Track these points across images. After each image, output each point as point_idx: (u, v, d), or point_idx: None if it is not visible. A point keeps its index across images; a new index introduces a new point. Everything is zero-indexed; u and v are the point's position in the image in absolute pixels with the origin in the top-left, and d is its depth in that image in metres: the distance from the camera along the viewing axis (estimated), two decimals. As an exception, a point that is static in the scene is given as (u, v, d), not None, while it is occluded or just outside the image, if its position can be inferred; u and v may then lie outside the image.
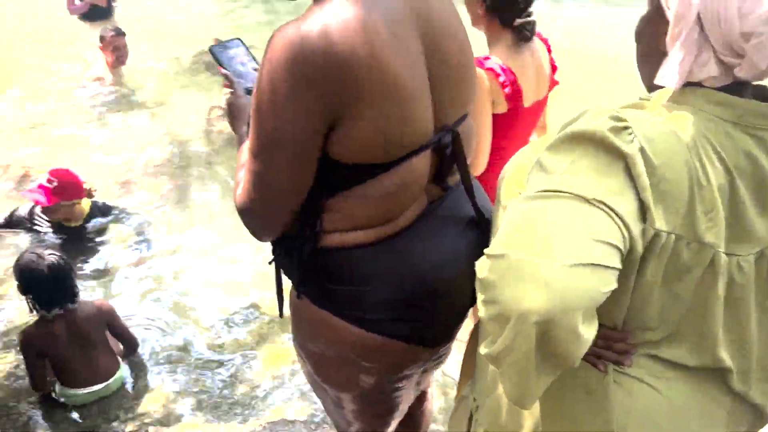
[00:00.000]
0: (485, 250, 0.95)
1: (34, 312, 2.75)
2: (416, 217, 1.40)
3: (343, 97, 1.17)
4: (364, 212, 1.34)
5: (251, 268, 3.71)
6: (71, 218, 3.87)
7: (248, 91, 1.54)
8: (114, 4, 7.70)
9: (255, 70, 1.59)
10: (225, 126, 5.43)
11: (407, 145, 1.29)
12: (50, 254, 2.74)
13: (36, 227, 3.93)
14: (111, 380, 2.87)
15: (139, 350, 3.13)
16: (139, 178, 4.72)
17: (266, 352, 3.17)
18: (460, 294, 1.45)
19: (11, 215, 4.00)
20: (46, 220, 3.90)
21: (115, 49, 5.88)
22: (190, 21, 8.06)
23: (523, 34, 2.28)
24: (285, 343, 3.21)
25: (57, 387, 2.86)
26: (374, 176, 1.29)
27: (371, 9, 1.18)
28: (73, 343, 2.77)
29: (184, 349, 3.21)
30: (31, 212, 3.93)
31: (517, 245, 0.90)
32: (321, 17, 1.17)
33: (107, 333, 2.92)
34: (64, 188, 3.68)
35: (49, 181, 3.65)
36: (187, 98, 6.03)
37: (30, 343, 2.73)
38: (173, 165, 4.92)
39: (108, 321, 2.92)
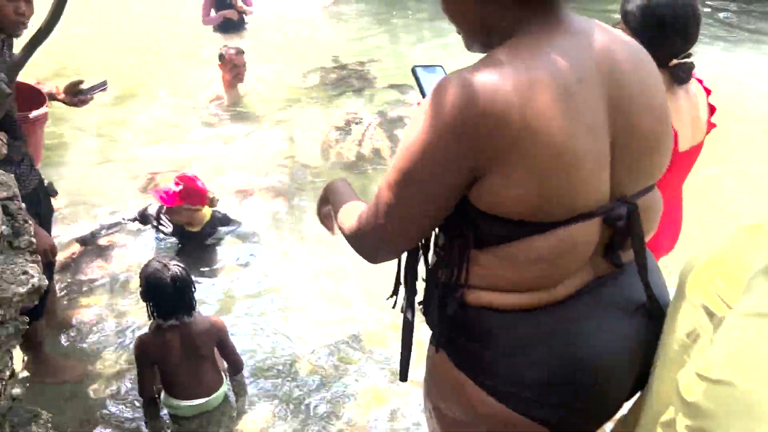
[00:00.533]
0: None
1: (152, 319, 2.81)
2: (576, 291, 1.28)
3: (492, 152, 1.15)
4: (513, 274, 1.25)
5: (360, 296, 3.67)
6: (192, 223, 4.03)
7: None
8: (246, 19, 7.98)
9: None
10: (344, 148, 5.47)
11: (567, 209, 1.19)
12: (175, 265, 2.79)
13: (161, 227, 4.11)
14: (214, 396, 2.88)
15: (246, 373, 3.15)
16: (256, 194, 4.81)
17: (366, 386, 3.09)
18: (618, 388, 1.30)
19: (144, 210, 4.23)
20: (169, 221, 4.07)
21: (234, 67, 6.03)
22: (316, 41, 8.24)
23: (678, 76, 2.14)
24: (385, 385, 3.10)
25: (162, 396, 2.90)
26: (525, 236, 1.21)
27: (544, 66, 1.14)
28: (184, 354, 2.81)
29: (287, 371, 3.18)
30: (159, 212, 4.14)
31: (747, 374, 0.75)
32: (487, 70, 1.15)
33: (215, 349, 2.94)
34: (189, 193, 3.88)
35: (176, 184, 3.88)
36: (307, 117, 6.12)
37: (145, 351, 2.80)
38: (290, 184, 4.98)
39: (219, 338, 2.95)
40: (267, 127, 5.91)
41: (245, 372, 3.12)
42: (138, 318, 3.46)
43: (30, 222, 1.99)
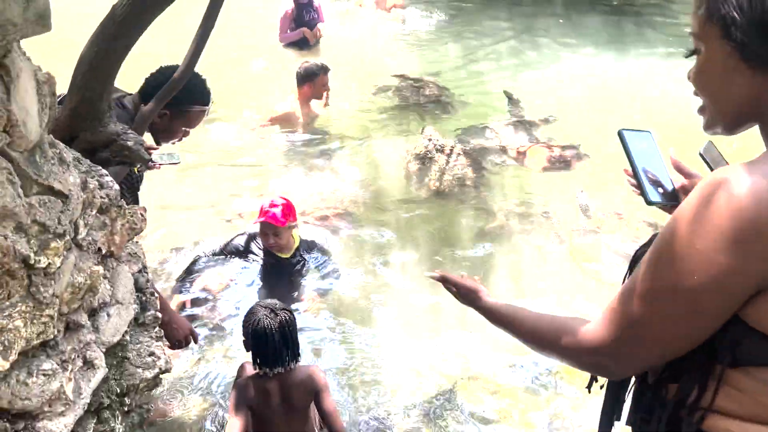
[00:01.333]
0: None
1: (257, 368, 2.68)
2: None
3: None
4: None
5: (451, 346, 3.51)
6: (288, 246, 3.90)
7: (648, 202, 1.44)
8: (320, 37, 7.93)
9: (657, 177, 1.51)
10: (426, 177, 5.32)
11: None
12: (283, 310, 2.64)
13: (251, 255, 4.00)
14: None
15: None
16: (336, 224, 4.70)
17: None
18: None
19: (227, 245, 4.11)
20: (261, 250, 3.97)
21: (323, 86, 5.96)
22: (388, 60, 8.11)
23: None
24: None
25: None
26: None
27: None
28: (282, 405, 2.67)
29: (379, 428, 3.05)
30: (248, 243, 4.03)
31: None
32: None
33: (312, 406, 2.82)
34: (290, 210, 3.78)
35: (273, 205, 3.75)
36: (385, 142, 5.99)
37: (244, 394, 2.64)
38: (372, 215, 4.86)
39: (316, 391, 2.82)
40: (345, 152, 5.81)
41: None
42: (227, 365, 3.37)
43: (157, 294, 1.90)
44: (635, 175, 1.53)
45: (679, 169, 1.63)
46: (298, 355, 2.68)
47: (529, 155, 5.72)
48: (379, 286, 4.02)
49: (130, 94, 2.53)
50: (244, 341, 2.71)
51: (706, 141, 2.09)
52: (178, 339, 2.66)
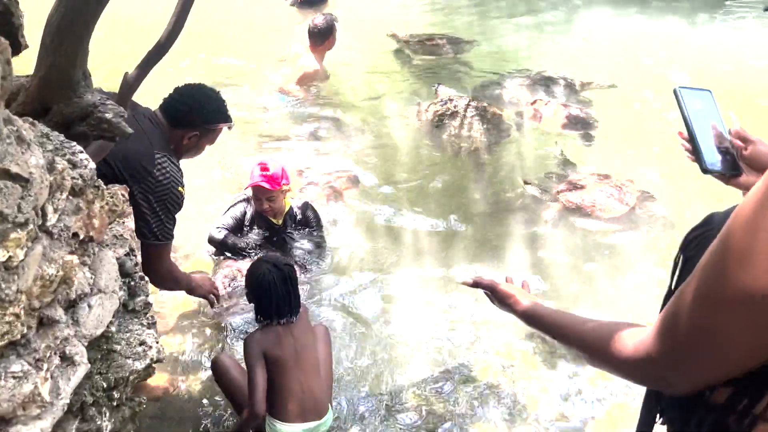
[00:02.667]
0: None
1: (259, 321, 2.69)
2: None
3: None
4: None
5: (464, 323, 3.38)
6: (280, 212, 3.74)
7: (704, 170, 1.38)
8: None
9: (721, 135, 1.42)
10: (439, 143, 5.11)
11: None
12: (286, 265, 2.71)
13: (246, 226, 3.83)
14: (321, 421, 2.65)
15: (342, 397, 2.95)
16: (343, 194, 4.51)
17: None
18: None
19: (231, 215, 3.88)
20: (252, 216, 3.80)
21: (334, 39, 5.70)
22: (399, 17, 7.79)
23: None
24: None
25: (267, 420, 2.67)
26: None
27: None
28: (294, 347, 2.64)
29: (389, 405, 2.95)
30: (244, 210, 3.83)
31: None
32: None
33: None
34: (283, 172, 3.61)
35: (264, 168, 3.57)
36: (396, 103, 5.75)
37: (257, 344, 2.60)
38: (381, 184, 4.66)
39: (325, 340, 2.83)
40: (356, 114, 5.57)
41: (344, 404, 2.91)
42: (218, 334, 3.25)
43: (146, 279, 1.75)
44: (690, 138, 1.41)
45: (740, 136, 1.44)
46: (299, 306, 2.72)
47: (545, 114, 5.47)
48: (389, 265, 3.85)
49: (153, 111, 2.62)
50: (247, 293, 2.79)
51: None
52: (203, 294, 2.96)
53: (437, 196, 4.51)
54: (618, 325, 1.19)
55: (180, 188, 2.50)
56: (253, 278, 2.70)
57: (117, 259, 1.64)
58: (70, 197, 1.35)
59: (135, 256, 1.76)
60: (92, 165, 1.42)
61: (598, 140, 5.23)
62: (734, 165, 1.42)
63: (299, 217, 3.82)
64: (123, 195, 1.56)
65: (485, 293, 1.54)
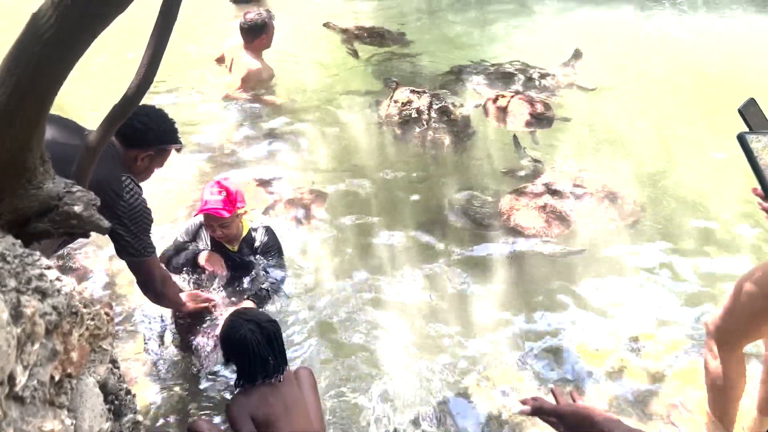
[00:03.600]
0: None
1: (239, 385, 2.49)
2: None
3: None
4: None
5: (450, 345, 3.17)
6: (235, 238, 3.41)
7: None
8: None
9: None
10: (403, 149, 4.82)
11: None
12: (267, 322, 2.50)
13: (201, 245, 3.48)
14: None
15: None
16: (303, 208, 4.19)
17: None
18: None
19: (182, 235, 3.58)
20: (208, 244, 3.45)
21: (272, 35, 5.26)
22: (344, 9, 7.40)
23: None
24: None
25: None
26: None
27: None
28: (282, 405, 2.44)
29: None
30: (198, 231, 3.49)
31: None
32: None
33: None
34: (235, 196, 3.28)
35: (215, 192, 3.23)
36: (352, 107, 5.42)
37: (243, 408, 2.41)
38: (345, 197, 4.36)
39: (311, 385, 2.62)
40: (310, 119, 5.21)
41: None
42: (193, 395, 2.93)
43: (132, 393, 1.43)
44: (764, 189, 1.30)
45: None
46: (286, 363, 2.55)
47: (509, 110, 5.27)
48: (365, 282, 3.59)
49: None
50: (225, 355, 2.59)
51: (747, 97, 1.85)
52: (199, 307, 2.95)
53: (409, 209, 4.25)
54: None
55: (147, 205, 2.55)
56: (234, 340, 2.45)
57: (98, 380, 1.31)
58: (45, 340, 1.02)
59: (118, 367, 1.43)
60: (66, 287, 1.09)
61: (563, 137, 5.08)
62: None
63: (257, 243, 3.48)
64: (107, 313, 1.23)
65: (549, 421, 1.31)
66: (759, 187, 1.32)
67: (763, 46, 6.49)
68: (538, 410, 1.32)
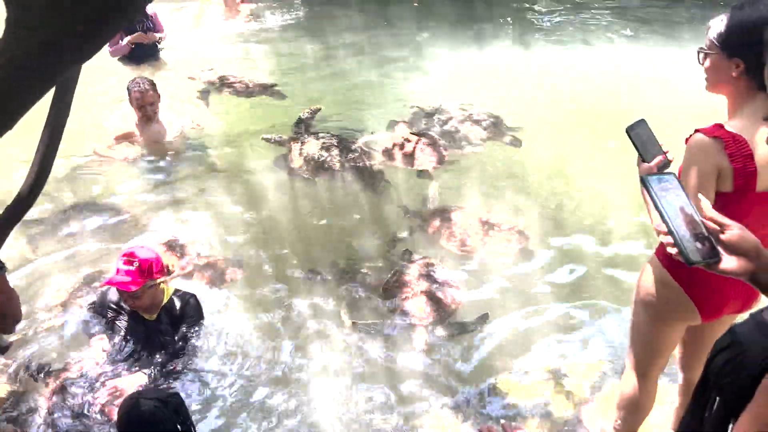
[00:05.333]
0: None
1: None
2: None
3: None
4: None
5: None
6: (152, 307, 3.32)
7: (690, 263, 1.38)
8: (160, 44, 6.99)
9: (693, 219, 1.42)
10: (316, 192, 4.81)
11: None
12: (170, 396, 2.38)
13: (118, 319, 3.38)
14: None
15: None
16: (225, 271, 4.11)
17: None
18: None
19: (95, 303, 3.51)
20: (125, 311, 3.37)
21: (142, 107, 5.22)
22: (248, 65, 7.31)
23: None
24: None
25: None
26: None
27: None
28: None
29: None
30: (116, 298, 3.39)
31: None
32: None
33: None
34: (149, 266, 3.18)
35: (127, 262, 3.14)
36: (256, 158, 5.36)
37: None
38: (263, 248, 4.31)
39: None
40: (215, 177, 5.13)
41: None
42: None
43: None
44: (670, 232, 1.38)
45: (714, 221, 1.41)
46: None
47: (416, 154, 5.39)
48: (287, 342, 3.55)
49: None
50: None
51: (638, 118, 2.01)
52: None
53: (328, 264, 4.22)
54: None
55: None
56: (139, 419, 2.27)
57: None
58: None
59: None
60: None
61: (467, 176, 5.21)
62: (713, 251, 1.39)
63: (177, 312, 3.38)
64: None
65: None
66: (663, 227, 1.41)
67: (632, 74, 6.96)
68: None
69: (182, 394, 2.75)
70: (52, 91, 1.34)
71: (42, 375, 3.23)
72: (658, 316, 2.37)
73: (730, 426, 1.09)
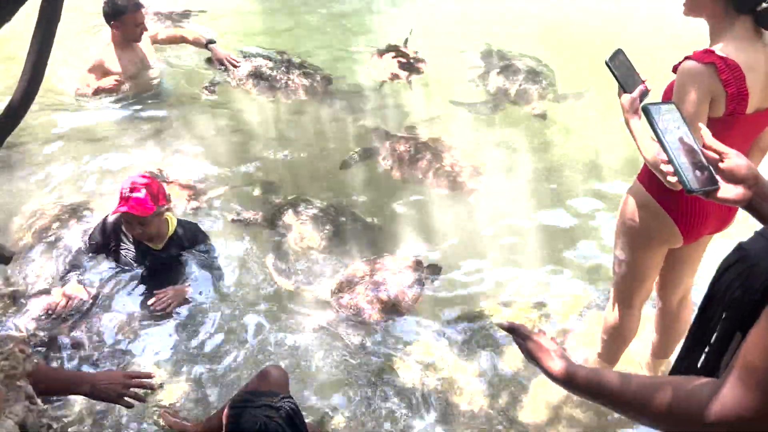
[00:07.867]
0: None
1: None
2: None
3: None
4: None
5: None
6: (158, 236, 3.31)
7: (689, 191, 1.39)
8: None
9: (692, 149, 1.43)
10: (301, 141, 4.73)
11: None
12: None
13: (121, 245, 3.36)
14: None
15: None
16: (218, 206, 4.08)
17: None
18: None
19: (91, 235, 3.44)
20: (130, 242, 3.35)
21: (136, 25, 4.72)
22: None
23: (765, 22, 1.99)
24: None
25: None
26: None
27: None
28: None
29: None
30: (116, 229, 3.35)
31: None
32: None
33: None
34: (157, 191, 3.16)
35: (134, 188, 3.09)
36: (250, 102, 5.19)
37: None
38: (258, 184, 4.30)
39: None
40: (203, 111, 4.98)
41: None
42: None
43: (55, 428, 1.32)
44: (670, 160, 1.40)
45: (713, 149, 1.44)
46: None
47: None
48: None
49: None
50: None
51: (615, 48, 1.98)
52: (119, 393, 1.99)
53: (319, 187, 4.24)
54: (680, 381, 1.11)
55: None
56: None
57: (15, 421, 1.20)
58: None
59: (36, 402, 1.32)
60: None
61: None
62: (712, 179, 1.40)
63: (185, 243, 3.41)
64: (22, 351, 1.13)
65: (516, 341, 1.45)
66: (663, 154, 1.41)
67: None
68: (513, 330, 1.46)
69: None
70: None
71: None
72: (641, 241, 2.41)
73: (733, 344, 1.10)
